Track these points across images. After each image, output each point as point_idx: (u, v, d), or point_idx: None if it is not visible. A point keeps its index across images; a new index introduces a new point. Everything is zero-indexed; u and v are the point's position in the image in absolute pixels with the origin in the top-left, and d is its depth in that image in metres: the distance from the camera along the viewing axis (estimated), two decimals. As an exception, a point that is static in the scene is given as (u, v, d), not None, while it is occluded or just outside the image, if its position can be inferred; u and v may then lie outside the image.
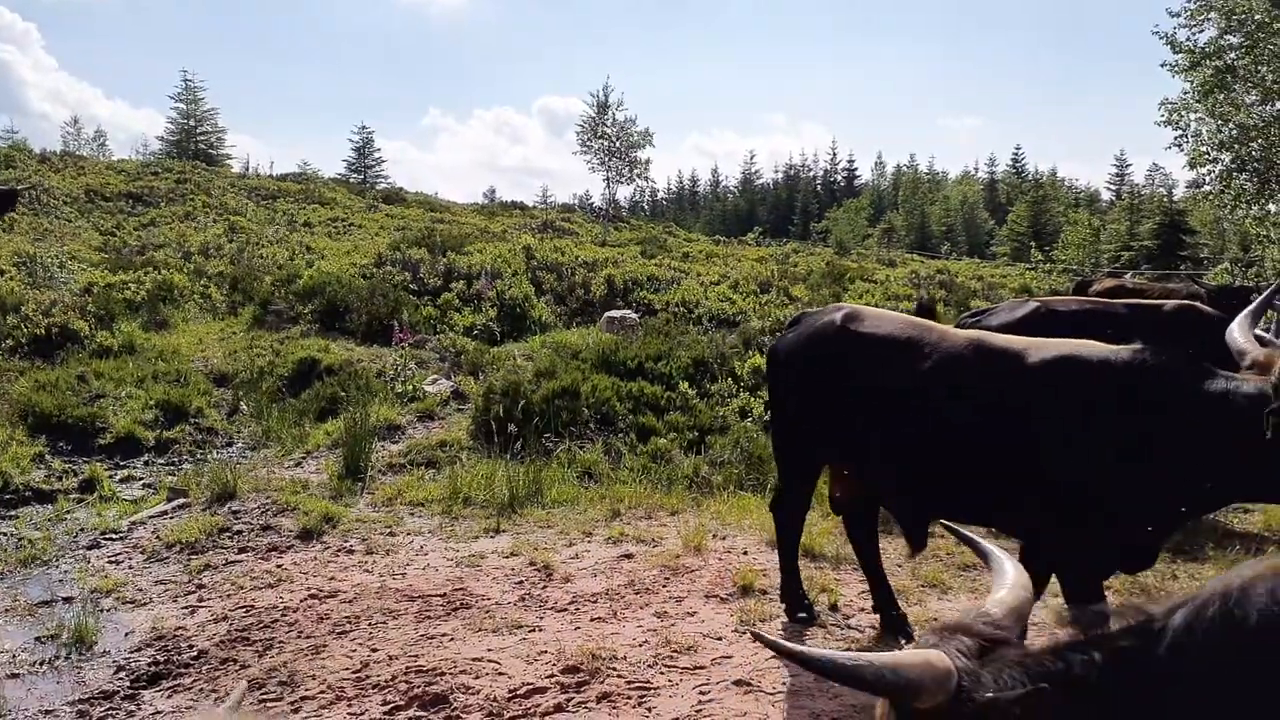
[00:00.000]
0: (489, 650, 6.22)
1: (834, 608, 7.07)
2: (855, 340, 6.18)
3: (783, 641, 2.70)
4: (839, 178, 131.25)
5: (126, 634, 6.54)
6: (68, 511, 9.09)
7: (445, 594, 7.10)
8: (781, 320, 15.77)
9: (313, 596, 7.04)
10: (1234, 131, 23.87)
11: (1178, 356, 5.16)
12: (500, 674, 5.94)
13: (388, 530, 8.50)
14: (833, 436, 6.37)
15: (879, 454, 6.06)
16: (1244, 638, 2.42)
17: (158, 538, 8.29)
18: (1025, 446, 5.28)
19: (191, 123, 72.67)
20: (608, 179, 44.75)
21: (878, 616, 6.79)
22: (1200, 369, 5.06)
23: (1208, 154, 24.74)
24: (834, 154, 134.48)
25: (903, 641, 6.49)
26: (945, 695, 2.42)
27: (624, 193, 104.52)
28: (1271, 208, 24.46)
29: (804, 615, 6.83)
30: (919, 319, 6.51)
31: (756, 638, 3.47)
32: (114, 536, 8.42)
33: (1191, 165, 25.25)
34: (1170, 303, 9.49)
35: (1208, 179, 25.43)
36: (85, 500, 9.41)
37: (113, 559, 7.93)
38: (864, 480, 6.56)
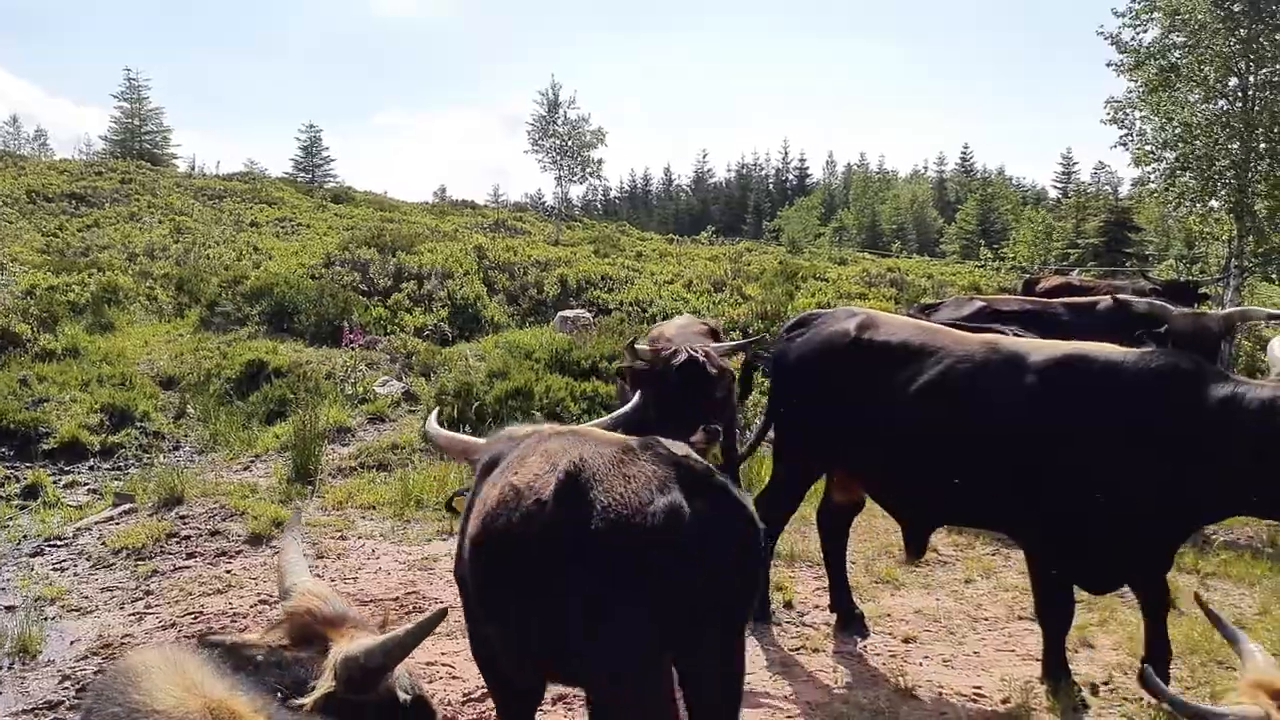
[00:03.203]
0: (443, 654, 6.17)
1: (789, 605, 7.09)
2: (871, 349, 6.06)
3: None
4: (791, 176, 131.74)
5: (72, 643, 6.43)
6: (10, 518, 8.90)
7: (398, 597, 7.04)
8: (735, 320, 15.81)
9: (263, 602, 6.94)
10: (1177, 130, 24.18)
11: (1191, 360, 5.13)
12: (454, 677, 5.90)
13: (339, 534, 8.41)
14: (843, 446, 6.26)
15: (893, 463, 5.98)
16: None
17: (104, 544, 8.15)
18: (1042, 450, 5.21)
19: (136, 122, 71.45)
20: (559, 178, 44.55)
21: (832, 613, 6.82)
22: (1214, 373, 5.04)
23: (1152, 152, 25.04)
24: (786, 153, 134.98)
25: (857, 639, 6.54)
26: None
27: (576, 191, 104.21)
28: (1214, 205, 24.82)
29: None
30: (931, 324, 6.43)
31: None
32: (58, 543, 8.27)
33: (1136, 163, 25.55)
34: (1103, 299, 9.64)
35: (1152, 177, 25.76)
36: (28, 506, 9.23)
37: (57, 566, 7.79)
38: (870, 489, 6.50)
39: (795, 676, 6.03)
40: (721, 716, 3.82)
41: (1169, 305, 8.91)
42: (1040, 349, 5.52)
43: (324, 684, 2.57)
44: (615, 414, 5.38)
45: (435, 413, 5.71)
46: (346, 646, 2.66)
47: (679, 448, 3.80)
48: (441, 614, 2.80)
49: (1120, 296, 9.43)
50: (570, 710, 5.51)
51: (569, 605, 3.62)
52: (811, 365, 6.34)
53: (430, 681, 5.80)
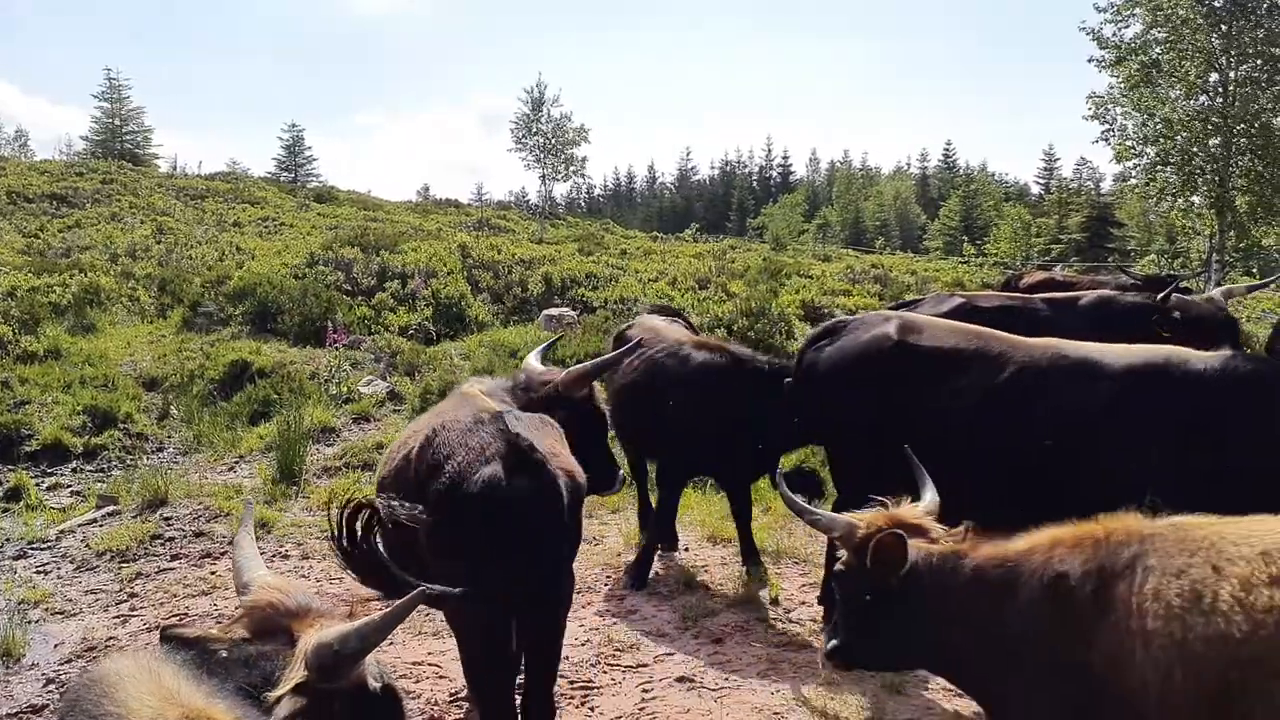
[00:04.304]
0: (429, 654, 6.17)
1: (775, 601, 7.10)
2: (919, 355, 5.73)
3: None
4: (774, 174, 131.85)
5: (56, 646, 6.40)
6: (-8, 521, 8.86)
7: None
8: (721, 316, 15.80)
9: (248, 603, 6.91)
10: (1159, 126, 24.34)
11: (1270, 364, 4.96)
12: (441, 677, 5.89)
13: (324, 534, 8.38)
14: (884, 459, 5.77)
15: (945, 476, 5.63)
16: None
17: (87, 546, 8.11)
18: (1120, 460, 4.91)
19: (116, 121, 70.96)
20: (543, 176, 44.50)
21: (819, 608, 6.83)
22: None
23: (1133, 148, 25.20)
24: (769, 150, 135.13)
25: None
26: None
27: (560, 189, 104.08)
28: (1195, 200, 24.96)
29: None
30: (980, 328, 5.99)
31: None
32: (41, 546, 8.22)
33: (1118, 159, 25.72)
34: (1087, 294, 9.58)
35: (1133, 172, 25.92)
36: (11, 509, 9.16)
37: (41, 569, 7.75)
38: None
39: (782, 673, 6.04)
40: (538, 669, 4.51)
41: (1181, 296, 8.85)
42: (1111, 353, 5.22)
43: (295, 673, 2.50)
44: (598, 359, 6.31)
45: (542, 349, 6.24)
46: (318, 634, 2.60)
47: (515, 423, 4.42)
48: (420, 595, 2.77)
49: (1176, 294, 9.25)
50: (557, 708, 5.51)
51: (419, 547, 4.33)
52: (849, 374, 5.99)
53: (417, 681, 5.79)
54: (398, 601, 2.72)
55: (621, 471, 6.05)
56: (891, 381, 5.72)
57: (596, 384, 6.00)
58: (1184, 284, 10.28)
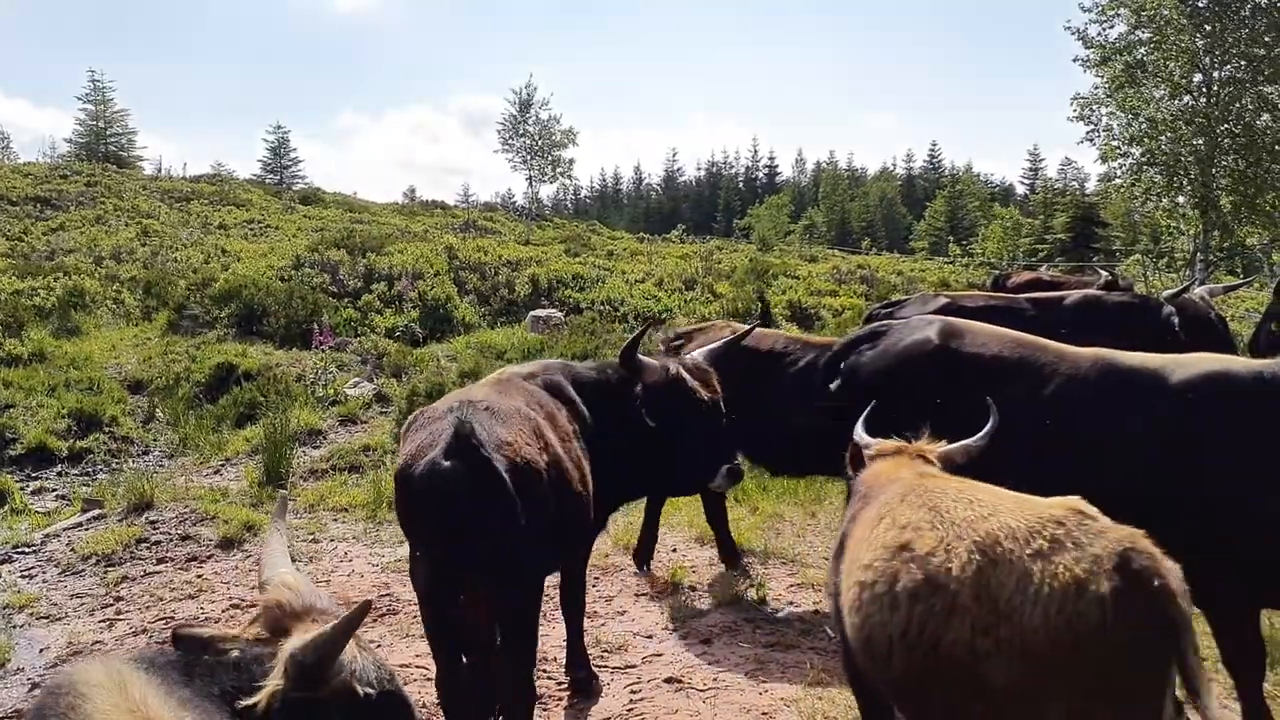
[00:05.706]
0: (417, 656, 6.15)
1: (762, 601, 7.10)
2: (958, 362, 5.52)
3: None
4: (760, 174, 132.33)
5: (41, 650, 6.36)
6: (-23, 526, 8.80)
7: (371, 600, 6.99)
8: (707, 317, 15.80)
9: (235, 606, 6.89)
10: (1143, 126, 24.43)
11: None
12: (429, 680, 5.87)
13: (310, 537, 8.36)
14: None
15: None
16: None
17: (73, 550, 8.07)
18: (1172, 475, 4.67)
19: (100, 124, 70.64)
20: (530, 177, 44.54)
21: (806, 609, 6.84)
22: None
23: (1118, 148, 25.30)
24: (755, 151, 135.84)
25: (829, 631, 6.55)
26: None
27: (547, 191, 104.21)
28: (1180, 199, 25.07)
29: None
30: (1025, 335, 5.71)
31: None
32: (26, 550, 8.18)
33: (1103, 159, 25.82)
34: (1072, 294, 9.58)
35: (1118, 172, 26.02)
36: (-5, 514, 9.13)
37: (25, 573, 7.71)
38: None
39: (770, 673, 6.04)
40: (507, 653, 4.64)
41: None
42: (1165, 365, 4.98)
43: (273, 681, 2.44)
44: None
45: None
46: (295, 641, 2.51)
47: (472, 410, 4.59)
48: (366, 607, 2.61)
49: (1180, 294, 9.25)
50: (545, 710, 5.51)
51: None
52: (888, 380, 5.73)
53: (404, 684, 5.77)
54: (348, 612, 2.56)
55: (732, 465, 5.77)
56: (933, 388, 5.47)
57: (692, 372, 5.75)
58: (1112, 279, 10.35)
